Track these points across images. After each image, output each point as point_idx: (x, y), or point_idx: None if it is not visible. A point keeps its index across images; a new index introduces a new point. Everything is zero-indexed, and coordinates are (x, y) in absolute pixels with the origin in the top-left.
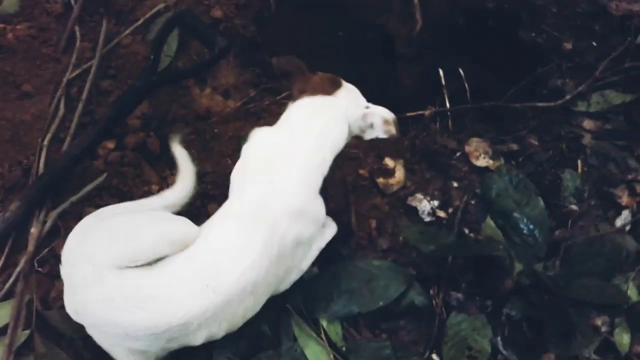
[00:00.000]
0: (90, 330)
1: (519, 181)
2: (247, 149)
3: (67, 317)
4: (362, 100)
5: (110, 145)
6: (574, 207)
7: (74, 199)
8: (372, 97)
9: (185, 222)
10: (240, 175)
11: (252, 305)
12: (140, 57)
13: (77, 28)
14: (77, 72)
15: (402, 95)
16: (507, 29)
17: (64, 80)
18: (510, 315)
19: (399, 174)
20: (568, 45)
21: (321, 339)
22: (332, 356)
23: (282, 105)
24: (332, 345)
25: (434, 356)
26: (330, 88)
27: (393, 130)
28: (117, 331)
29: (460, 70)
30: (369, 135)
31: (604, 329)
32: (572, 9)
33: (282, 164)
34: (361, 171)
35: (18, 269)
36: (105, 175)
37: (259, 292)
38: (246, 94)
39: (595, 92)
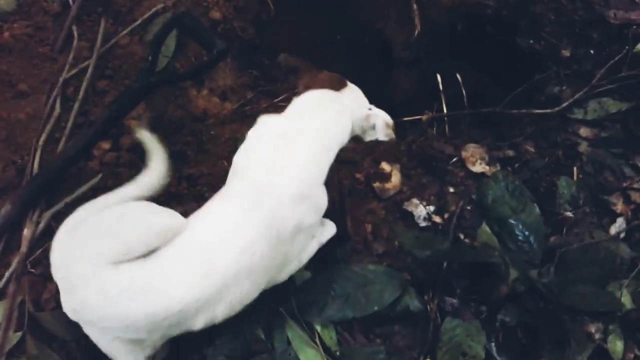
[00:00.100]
0: (87, 329)
1: (515, 188)
2: (253, 133)
3: (60, 319)
4: (365, 101)
5: (106, 146)
6: (569, 214)
7: (68, 199)
8: (370, 101)
9: (171, 213)
10: (245, 158)
11: (249, 290)
12: (137, 57)
13: (74, 27)
14: (73, 71)
15: (400, 99)
16: (505, 36)
17: (60, 79)
18: (504, 322)
19: (395, 178)
20: (566, 53)
21: (315, 343)
22: None
23: (279, 108)
24: (326, 349)
25: None
26: (336, 86)
27: (393, 134)
28: (118, 324)
29: (458, 76)
30: (369, 137)
31: (597, 336)
32: (570, 16)
33: (288, 148)
34: (357, 175)
35: (11, 269)
36: (100, 176)
37: (256, 277)
38: (243, 97)
39: (592, 100)
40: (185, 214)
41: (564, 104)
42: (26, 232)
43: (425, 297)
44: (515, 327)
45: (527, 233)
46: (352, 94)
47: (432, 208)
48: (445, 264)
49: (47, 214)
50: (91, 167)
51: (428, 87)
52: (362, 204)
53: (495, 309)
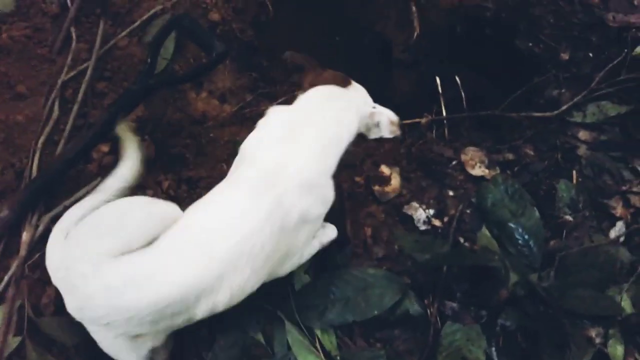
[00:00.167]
0: (91, 329)
1: (515, 191)
2: (262, 123)
3: (60, 324)
4: (369, 99)
5: (105, 148)
6: (568, 217)
7: (67, 203)
8: None
9: (168, 203)
10: (254, 144)
11: (249, 278)
12: (136, 59)
13: (73, 29)
14: (72, 73)
15: (399, 101)
16: (504, 38)
17: (59, 81)
18: (505, 326)
19: (395, 181)
20: (565, 56)
21: (315, 348)
22: None
23: None
24: (326, 354)
25: None
26: (341, 84)
27: (398, 131)
28: (121, 317)
29: (457, 78)
30: (373, 135)
31: (598, 340)
32: (569, 19)
33: (298, 137)
34: (357, 178)
35: (9, 273)
36: (99, 179)
37: (258, 265)
38: (242, 99)
39: (591, 103)
40: None
41: (563, 107)
42: (25, 235)
43: (425, 301)
44: (515, 331)
45: (526, 237)
46: (357, 92)
47: (431, 211)
48: (445, 268)
49: (46, 217)
50: (90, 170)
51: (427, 90)
52: (362, 207)
53: (496, 313)
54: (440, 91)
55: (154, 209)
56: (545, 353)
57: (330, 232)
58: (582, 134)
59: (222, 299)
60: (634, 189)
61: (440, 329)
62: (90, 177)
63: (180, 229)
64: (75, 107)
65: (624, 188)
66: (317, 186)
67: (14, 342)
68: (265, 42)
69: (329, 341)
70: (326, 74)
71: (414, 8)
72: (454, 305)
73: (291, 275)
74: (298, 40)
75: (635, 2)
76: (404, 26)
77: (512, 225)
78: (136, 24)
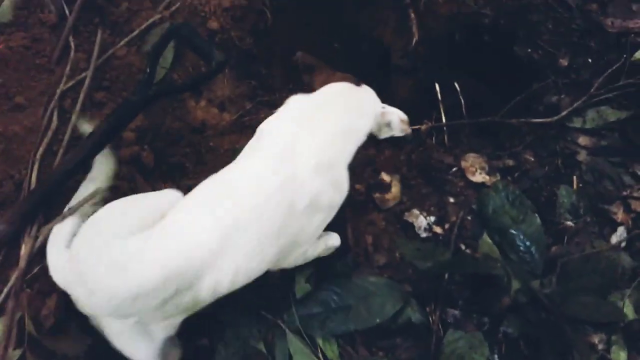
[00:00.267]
0: (104, 324)
1: (515, 197)
2: (282, 109)
3: (60, 336)
4: (378, 100)
5: None
6: (569, 223)
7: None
8: None
9: (170, 189)
10: (273, 125)
11: (254, 254)
12: (135, 68)
13: (71, 39)
14: (70, 83)
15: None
16: (503, 45)
17: (58, 91)
18: (507, 333)
19: (395, 189)
20: (564, 62)
21: (317, 357)
22: None
23: None
24: None
25: None
26: (354, 84)
27: (409, 129)
28: (128, 294)
29: (456, 85)
30: (384, 134)
31: (600, 346)
32: (568, 25)
33: (318, 120)
34: (357, 186)
35: (9, 285)
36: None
37: (264, 240)
38: (242, 107)
39: (591, 109)
40: None
41: (563, 113)
42: (24, 247)
43: (427, 309)
44: (517, 338)
45: (528, 243)
46: (368, 92)
47: (432, 218)
48: (446, 275)
49: (45, 229)
50: None
51: (426, 96)
52: (363, 215)
53: (498, 320)
54: (439, 98)
55: (160, 194)
56: None
57: (334, 238)
58: (582, 140)
59: (226, 276)
60: (635, 194)
61: (443, 337)
62: None
63: (189, 197)
64: (74, 117)
65: (624, 193)
66: (332, 169)
67: (14, 355)
68: (264, 50)
69: (331, 350)
70: (337, 75)
71: (412, 14)
72: (456, 312)
73: (292, 283)
74: (297, 47)
75: (634, 8)
76: (402, 32)
77: (513, 231)
78: (135, 33)
